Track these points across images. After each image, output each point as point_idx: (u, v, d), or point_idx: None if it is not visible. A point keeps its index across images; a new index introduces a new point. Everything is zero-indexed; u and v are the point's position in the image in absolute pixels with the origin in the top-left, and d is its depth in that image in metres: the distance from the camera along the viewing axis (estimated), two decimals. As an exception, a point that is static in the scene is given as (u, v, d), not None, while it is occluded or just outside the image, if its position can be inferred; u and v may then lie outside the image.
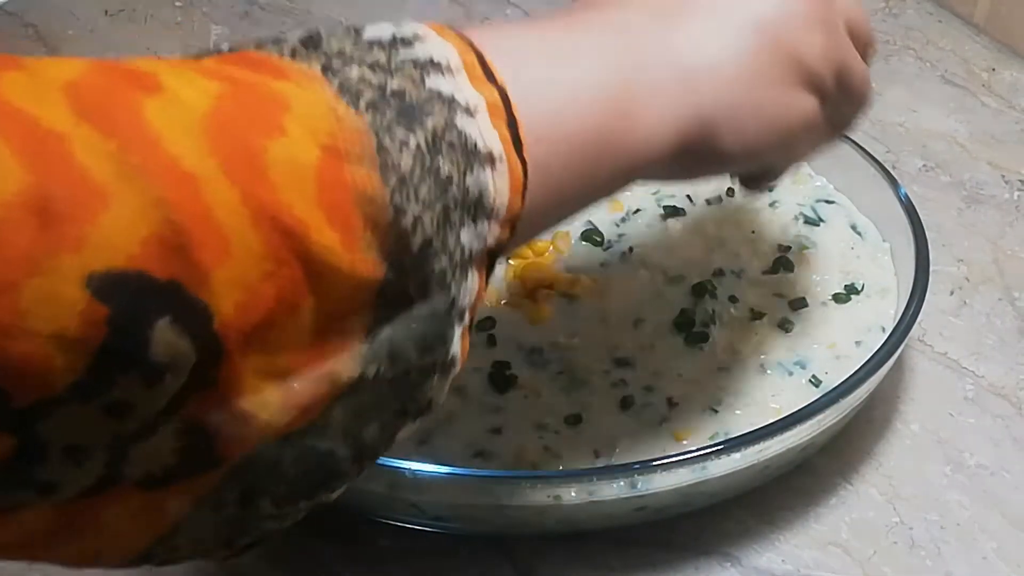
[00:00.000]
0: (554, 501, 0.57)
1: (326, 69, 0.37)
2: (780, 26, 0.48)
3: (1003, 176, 0.81)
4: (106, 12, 0.97)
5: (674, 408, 0.63)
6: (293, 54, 0.38)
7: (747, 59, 0.47)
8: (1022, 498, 0.62)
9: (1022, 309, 0.72)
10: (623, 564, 0.60)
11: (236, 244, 0.33)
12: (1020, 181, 0.81)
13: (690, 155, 0.47)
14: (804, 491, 0.63)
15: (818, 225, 0.73)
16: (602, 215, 0.73)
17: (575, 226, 0.72)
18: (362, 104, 0.37)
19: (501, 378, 0.64)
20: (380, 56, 0.38)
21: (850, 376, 0.60)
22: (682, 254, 0.71)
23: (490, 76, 0.40)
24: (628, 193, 0.74)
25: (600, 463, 0.60)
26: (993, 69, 0.90)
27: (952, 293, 0.73)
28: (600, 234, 0.72)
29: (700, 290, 0.68)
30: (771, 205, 0.74)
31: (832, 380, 0.63)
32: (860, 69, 0.53)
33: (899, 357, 0.64)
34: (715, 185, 0.75)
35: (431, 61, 0.39)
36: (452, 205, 0.38)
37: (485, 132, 0.39)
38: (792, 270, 0.70)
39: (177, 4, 0.98)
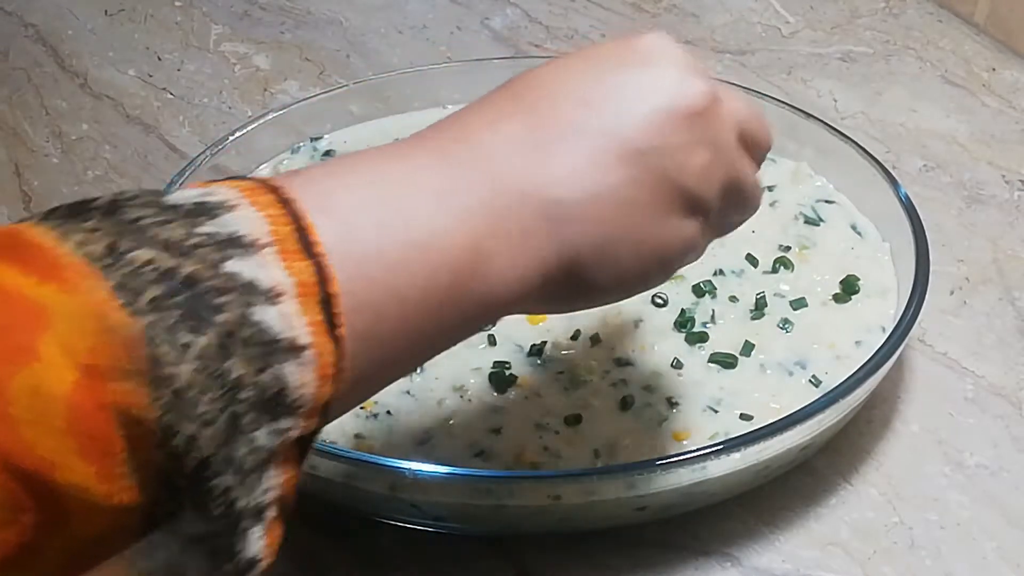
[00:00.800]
0: (554, 501, 0.57)
1: (110, 253, 0.34)
2: (657, 154, 0.46)
3: (1003, 176, 0.81)
4: (106, 12, 0.97)
5: (674, 408, 0.63)
6: (81, 239, 0.35)
7: (622, 191, 0.45)
8: (1022, 498, 0.62)
9: (1022, 309, 0.72)
10: (623, 564, 0.60)
11: None
12: (1020, 181, 0.81)
13: (559, 293, 0.45)
14: (804, 491, 0.63)
15: (818, 225, 0.73)
16: (602, 215, 0.73)
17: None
18: (143, 302, 0.34)
19: (501, 378, 0.64)
20: (178, 232, 0.35)
21: (850, 376, 0.60)
22: (682, 254, 0.71)
23: (307, 246, 0.37)
24: (628, 193, 0.74)
25: (600, 463, 0.60)
26: (993, 69, 0.90)
27: (952, 293, 0.73)
28: (600, 234, 0.72)
29: (700, 290, 0.68)
30: (771, 205, 0.74)
31: (832, 380, 0.63)
32: (751, 180, 0.51)
33: (899, 357, 0.64)
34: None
35: (234, 239, 0.36)
36: (243, 410, 0.35)
37: (290, 319, 0.36)
38: (792, 270, 0.70)
39: (177, 4, 0.98)
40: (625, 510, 0.58)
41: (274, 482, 0.36)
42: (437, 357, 0.65)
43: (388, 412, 0.63)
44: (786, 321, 0.67)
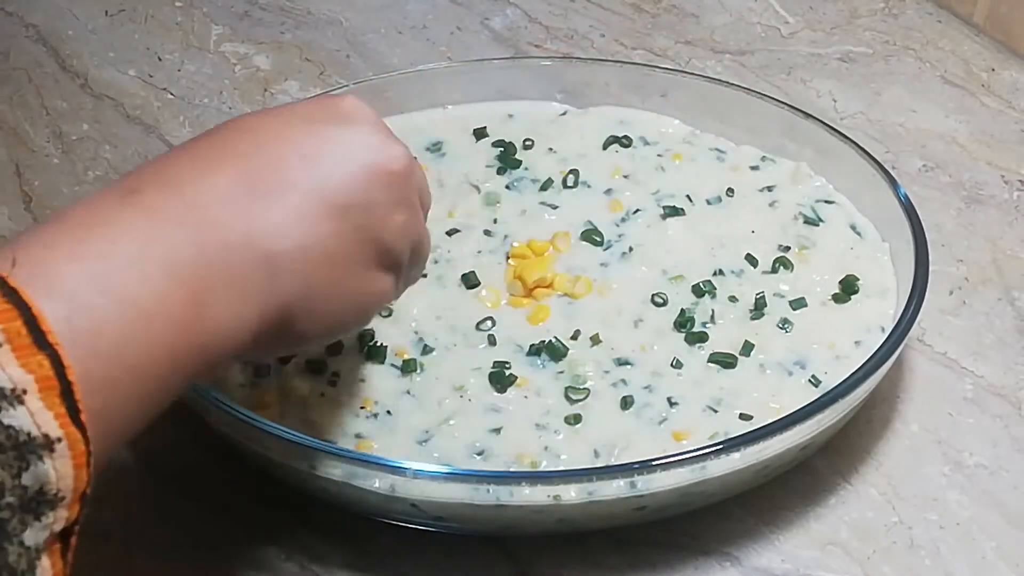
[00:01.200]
0: (554, 501, 0.57)
1: None
2: (364, 211, 0.49)
3: (1003, 176, 0.81)
4: (106, 12, 0.97)
5: (674, 408, 0.63)
6: None
7: (329, 244, 0.48)
8: (1021, 498, 0.63)
9: (1021, 309, 0.72)
10: (623, 564, 0.60)
11: None
12: (1020, 181, 0.81)
13: (269, 339, 0.47)
14: (804, 491, 0.63)
15: (818, 225, 0.73)
16: (602, 215, 0.73)
17: (575, 226, 0.73)
18: None
19: (501, 378, 0.64)
20: None
21: (850, 376, 0.60)
22: (682, 254, 0.71)
23: (40, 337, 0.37)
24: (628, 193, 0.75)
25: (600, 463, 0.60)
26: (993, 69, 0.90)
27: (951, 293, 0.73)
28: (600, 234, 0.72)
29: (700, 290, 0.68)
30: (771, 205, 0.74)
31: (832, 380, 0.63)
32: (427, 237, 0.55)
33: (899, 357, 0.64)
34: (715, 185, 0.75)
35: None
36: (7, 516, 0.35)
37: (37, 415, 0.36)
38: (792, 270, 0.70)
39: (177, 4, 0.98)
40: (625, 510, 0.58)
41: (44, 571, 0.37)
42: (437, 357, 0.66)
43: (388, 412, 0.63)
44: (786, 321, 0.67)
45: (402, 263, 0.52)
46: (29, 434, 0.36)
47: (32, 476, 0.36)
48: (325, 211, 0.48)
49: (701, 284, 0.69)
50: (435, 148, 0.78)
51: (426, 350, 0.66)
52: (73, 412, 0.37)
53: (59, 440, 0.36)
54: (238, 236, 0.45)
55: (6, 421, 0.35)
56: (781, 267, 0.70)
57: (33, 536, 0.36)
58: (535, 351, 0.66)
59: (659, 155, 0.77)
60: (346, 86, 0.81)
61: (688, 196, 0.74)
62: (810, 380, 0.64)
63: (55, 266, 0.40)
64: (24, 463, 0.36)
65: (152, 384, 0.42)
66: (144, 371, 0.41)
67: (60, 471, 0.36)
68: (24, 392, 0.36)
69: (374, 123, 0.52)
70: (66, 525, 0.37)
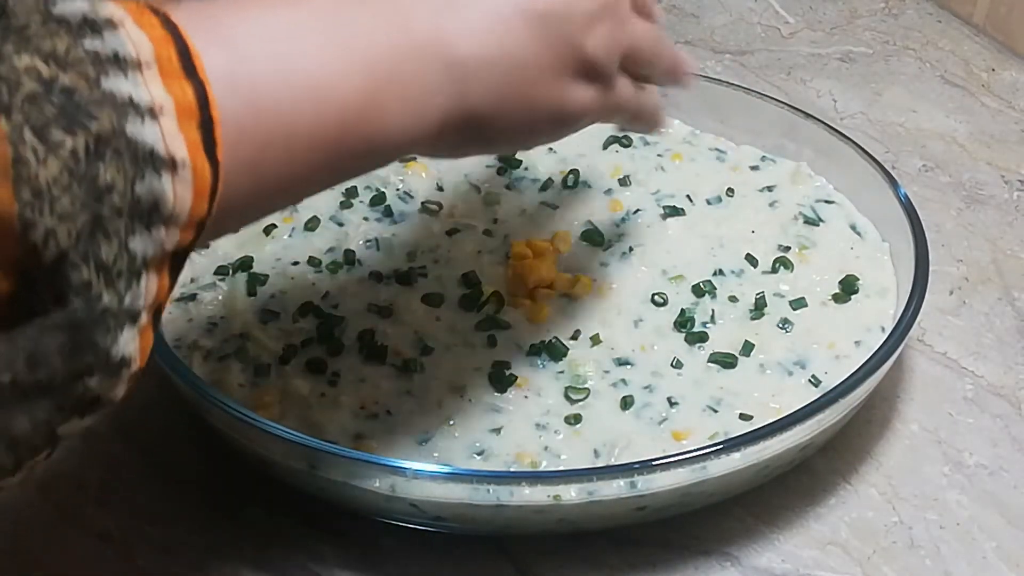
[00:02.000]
0: (554, 501, 0.57)
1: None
2: (563, 19, 0.48)
3: (1003, 176, 0.81)
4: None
5: (674, 408, 0.63)
6: None
7: (524, 52, 0.47)
8: (1021, 498, 0.63)
9: (1021, 309, 0.72)
10: (623, 564, 0.60)
11: None
12: (1020, 181, 0.81)
13: (455, 141, 0.47)
14: (804, 491, 0.63)
15: (818, 225, 0.73)
16: (602, 215, 0.73)
17: (575, 226, 0.73)
18: (16, 100, 0.34)
19: (501, 378, 0.64)
20: (59, 44, 0.36)
21: (850, 376, 0.60)
22: (682, 254, 0.71)
23: (190, 71, 0.38)
24: (628, 193, 0.75)
25: (600, 463, 0.60)
26: (993, 69, 0.90)
27: (951, 293, 0.73)
28: (600, 234, 0.72)
29: (700, 290, 0.68)
30: (771, 205, 0.74)
31: (832, 380, 0.63)
32: (648, 38, 0.53)
33: (899, 357, 0.64)
34: (715, 185, 0.75)
35: (116, 56, 0.36)
36: (109, 214, 0.36)
37: (168, 136, 0.37)
38: (792, 270, 0.70)
39: (177, 4, 0.98)
40: (625, 510, 0.58)
41: (149, 287, 0.38)
42: (437, 357, 0.65)
43: (388, 412, 0.63)
44: (786, 321, 0.67)
45: (607, 74, 0.50)
46: (152, 150, 0.36)
47: (147, 188, 0.36)
48: (521, 18, 0.47)
49: (701, 284, 0.69)
50: (435, 148, 0.78)
51: (426, 350, 0.66)
52: (209, 145, 0.38)
53: (184, 165, 0.37)
54: (429, 39, 0.45)
55: (131, 130, 0.36)
56: (781, 267, 0.70)
57: (141, 244, 0.37)
58: (535, 351, 0.66)
59: (659, 155, 0.77)
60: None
61: (688, 196, 0.74)
62: (810, 380, 0.64)
63: (225, 19, 0.40)
64: (140, 174, 0.36)
65: (308, 158, 0.42)
66: (302, 142, 0.41)
67: (179, 195, 0.37)
68: (160, 110, 0.37)
69: None
70: (176, 248, 0.38)
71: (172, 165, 0.37)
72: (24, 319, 0.35)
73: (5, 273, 0.34)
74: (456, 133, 0.46)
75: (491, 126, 0.47)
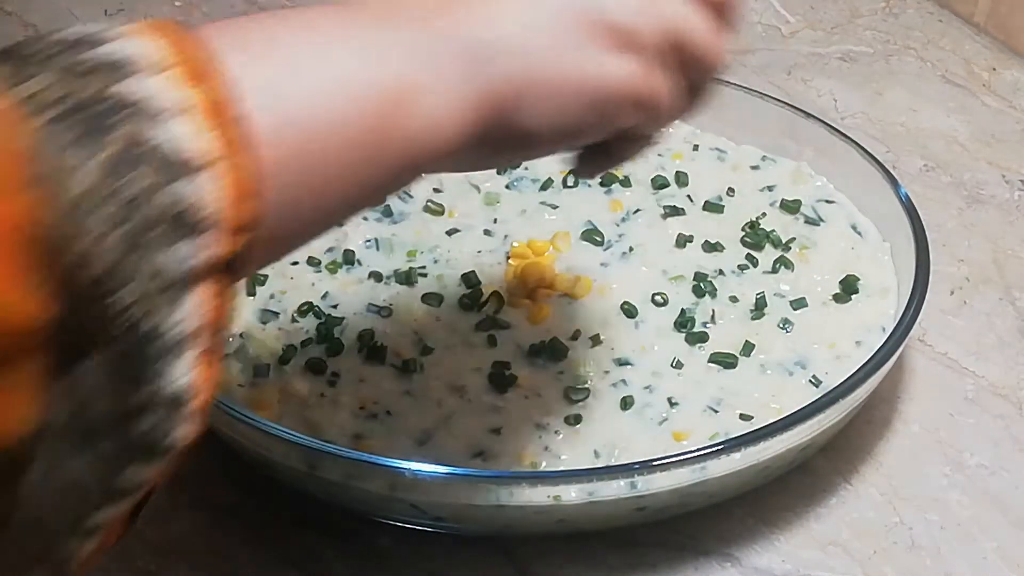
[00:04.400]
0: (554, 501, 0.57)
1: (12, 76, 0.34)
2: None
3: (1003, 176, 0.81)
4: (105, 12, 0.97)
5: (674, 408, 0.63)
6: None
7: (545, 24, 0.44)
8: (1022, 498, 0.62)
9: (1022, 309, 0.72)
10: (623, 564, 0.60)
11: None
12: (1020, 181, 0.81)
13: (492, 138, 0.44)
14: (804, 491, 0.63)
15: (818, 225, 0.73)
16: (602, 215, 0.73)
17: (575, 226, 0.72)
18: (41, 119, 0.33)
19: (501, 378, 0.64)
20: (72, 58, 0.35)
21: (850, 376, 0.60)
22: (682, 254, 0.71)
23: (210, 72, 0.36)
24: (628, 193, 0.74)
25: (600, 463, 0.60)
26: (994, 69, 0.90)
27: (952, 293, 0.73)
28: (600, 234, 0.72)
29: (700, 290, 0.68)
30: (771, 205, 0.74)
31: (832, 380, 0.63)
32: (699, 29, 0.48)
33: (899, 357, 0.64)
34: (715, 185, 0.75)
35: (130, 61, 0.35)
36: (143, 226, 0.34)
37: (194, 136, 0.35)
38: (792, 270, 0.70)
39: (176, 4, 0.98)
40: (625, 510, 0.58)
41: (195, 308, 0.35)
42: (437, 357, 0.65)
43: (388, 412, 0.63)
44: (786, 321, 0.67)
45: (646, 45, 0.46)
46: (180, 153, 0.34)
47: (175, 194, 0.34)
48: None
49: (701, 284, 0.68)
50: (435, 148, 0.78)
51: (426, 350, 0.66)
52: (242, 142, 0.36)
53: (213, 163, 0.35)
54: (443, 28, 0.43)
55: (155, 135, 0.34)
56: (781, 267, 0.70)
57: (179, 256, 0.34)
58: (535, 351, 0.65)
59: (659, 155, 0.77)
60: None
61: (688, 196, 0.74)
62: (810, 380, 0.64)
63: (250, 27, 0.40)
64: (171, 179, 0.34)
65: (346, 157, 0.40)
66: (337, 141, 0.40)
67: (212, 195, 0.35)
68: (184, 110, 0.35)
69: None
70: (222, 257, 0.35)
71: (200, 165, 0.35)
72: (72, 351, 0.33)
73: (47, 298, 0.32)
74: (491, 129, 0.44)
75: (525, 110, 0.44)
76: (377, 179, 0.42)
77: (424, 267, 0.70)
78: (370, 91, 0.40)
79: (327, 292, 0.69)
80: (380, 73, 0.41)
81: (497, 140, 0.44)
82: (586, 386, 0.64)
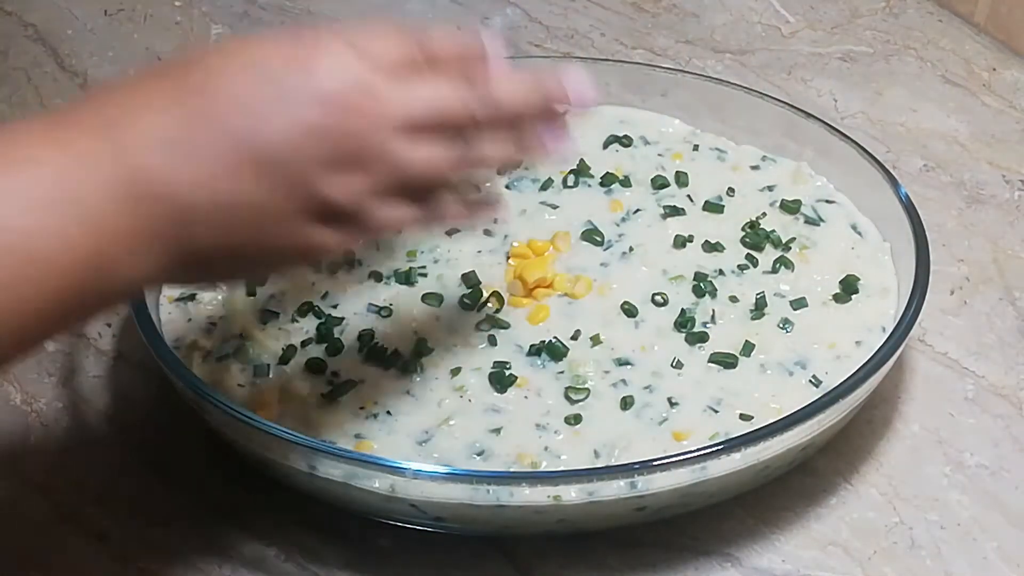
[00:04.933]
0: (554, 501, 0.57)
1: None
2: (290, 165, 0.47)
3: (1003, 176, 0.81)
4: (105, 12, 0.97)
5: (674, 408, 0.63)
6: None
7: (250, 198, 0.46)
8: (1022, 498, 0.62)
9: (1022, 309, 0.72)
10: (623, 564, 0.60)
11: None
12: (1020, 181, 0.81)
13: (183, 278, 0.49)
14: (804, 491, 0.63)
15: (818, 225, 0.73)
16: (602, 215, 0.73)
17: (575, 226, 0.72)
18: None
19: (501, 378, 0.64)
20: None
21: (850, 376, 0.60)
22: (682, 254, 0.71)
23: None
24: (628, 193, 0.74)
25: (600, 463, 0.60)
26: (994, 69, 0.90)
27: (952, 293, 0.73)
28: (600, 234, 0.72)
29: (700, 290, 0.68)
30: (771, 205, 0.74)
31: (832, 380, 0.63)
32: (429, 166, 0.50)
33: (899, 357, 0.64)
34: (715, 185, 0.75)
35: None
36: None
37: None
38: (793, 270, 0.70)
39: (176, 4, 0.98)
40: (625, 510, 0.58)
41: None
42: (437, 358, 0.65)
43: (388, 412, 0.63)
44: (786, 321, 0.67)
45: (353, 216, 0.49)
46: None
47: None
48: (250, 164, 0.46)
49: (701, 284, 0.68)
50: (435, 148, 0.78)
51: (426, 350, 0.66)
52: None
53: None
54: (155, 187, 0.45)
55: None
56: (782, 267, 0.70)
57: None
58: (535, 351, 0.65)
59: (659, 155, 0.77)
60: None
61: (688, 196, 0.74)
62: (811, 380, 0.64)
63: None
64: None
65: (39, 309, 0.43)
66: (29, 306, 0.42)
67: None
68: None
69: (338, 73, 0.48)
70: None
71: None
72: None
73: None
74: (186, 272, 0.48)
75: (220, 266, 0.48)
76: (64, 322, 0.46)
77: (424, 267, 0.70)
78: (64, 261, 0.43)
79: (327, 292, 0.69)
80: (76, 241, 0.43)
81: (190, 278, 0.50)
82: (586, 386, 0.64)
